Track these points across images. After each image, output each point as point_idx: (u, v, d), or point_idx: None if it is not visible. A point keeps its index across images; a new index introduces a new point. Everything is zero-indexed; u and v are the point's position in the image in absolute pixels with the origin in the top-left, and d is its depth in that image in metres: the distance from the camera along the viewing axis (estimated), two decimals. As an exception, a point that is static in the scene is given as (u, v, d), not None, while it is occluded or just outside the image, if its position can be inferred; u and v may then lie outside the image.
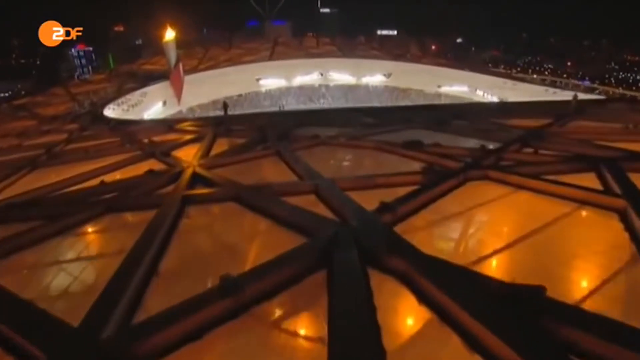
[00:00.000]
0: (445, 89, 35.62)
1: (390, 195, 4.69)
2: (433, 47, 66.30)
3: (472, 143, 7.24)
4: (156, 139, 10.18)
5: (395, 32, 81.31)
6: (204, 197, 5.00)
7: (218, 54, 39.68)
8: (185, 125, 11.91)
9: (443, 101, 35.47)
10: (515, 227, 3.73)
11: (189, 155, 7.92)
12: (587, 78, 67.85)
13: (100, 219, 4.77)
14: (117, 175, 7.08)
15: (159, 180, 5.95)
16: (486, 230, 3.89)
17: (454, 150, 6.38)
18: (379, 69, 36.97)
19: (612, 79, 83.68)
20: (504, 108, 14.66)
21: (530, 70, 77.32)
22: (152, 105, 27.38)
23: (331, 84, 37.30)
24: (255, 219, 4.25)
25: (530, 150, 6.31)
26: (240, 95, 34.17)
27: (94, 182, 6.53)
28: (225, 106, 17.78)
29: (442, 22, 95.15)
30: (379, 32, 79.95)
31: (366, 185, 4.84)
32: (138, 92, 25.69)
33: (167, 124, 12.72)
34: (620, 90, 39.05)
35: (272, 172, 6.45)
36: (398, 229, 3.58)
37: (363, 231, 3.35)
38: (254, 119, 13.47)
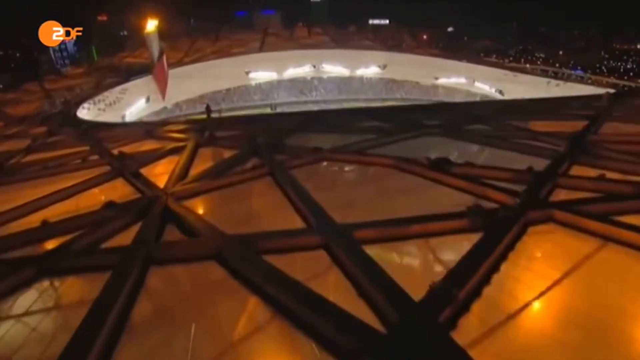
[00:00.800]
0: (442, 81, 34.36)
1: (428, 250, 3.45)
2: (425, 37, 64.66)
3: (507, 159, 5.98)
4: (129, 149, 8.73)
5: (388, 22, 79.23)
6: (174, 255, 3.65)
7: (205, 45, 37.78)
8: (164, 132, 10.42)
9: (441, 93, 34.30)
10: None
11: (164, 174, 6.58)
12: (579, 67, 66.97)
13: (26, 291, 3.42)
14: (72, 205, 5.68)
15: (120, 220, 4.60)
16: (591, 334, 2.56)
17: (492, 173, 5.11)
18: (374, 60, 35.51)
19: (603, 68, 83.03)
20: (521, 107, 13.43)
21: (522, 60, 76.44)
22: (134, 102, 25.62)
23: (324, 76, 35.75)
24: (243, 301, 2.93)
25: (589, 170, 5.07)
26: (229, 90, 32.52)
27: (42, 214, 5.23)
28: (208, 109, 16.16)
29: (433, 10, 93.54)
30: (370, 21, 77.81)
31: (395, 236, 3.55)
32: (117, 89, 23.86)
33: (144, 129, 11.23)
34: (613, 80, 38.70)
35: (264, 205, 5.08)
36: (458, 334, 2.32)
37: (416, 353, 2.07)
38: (243, 124, 12.03)
